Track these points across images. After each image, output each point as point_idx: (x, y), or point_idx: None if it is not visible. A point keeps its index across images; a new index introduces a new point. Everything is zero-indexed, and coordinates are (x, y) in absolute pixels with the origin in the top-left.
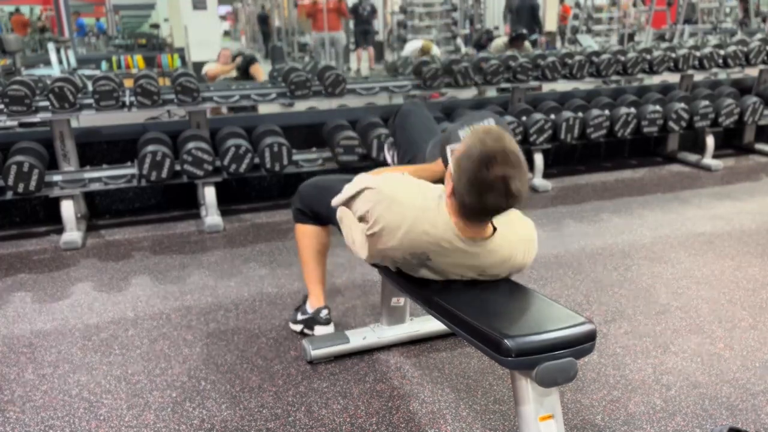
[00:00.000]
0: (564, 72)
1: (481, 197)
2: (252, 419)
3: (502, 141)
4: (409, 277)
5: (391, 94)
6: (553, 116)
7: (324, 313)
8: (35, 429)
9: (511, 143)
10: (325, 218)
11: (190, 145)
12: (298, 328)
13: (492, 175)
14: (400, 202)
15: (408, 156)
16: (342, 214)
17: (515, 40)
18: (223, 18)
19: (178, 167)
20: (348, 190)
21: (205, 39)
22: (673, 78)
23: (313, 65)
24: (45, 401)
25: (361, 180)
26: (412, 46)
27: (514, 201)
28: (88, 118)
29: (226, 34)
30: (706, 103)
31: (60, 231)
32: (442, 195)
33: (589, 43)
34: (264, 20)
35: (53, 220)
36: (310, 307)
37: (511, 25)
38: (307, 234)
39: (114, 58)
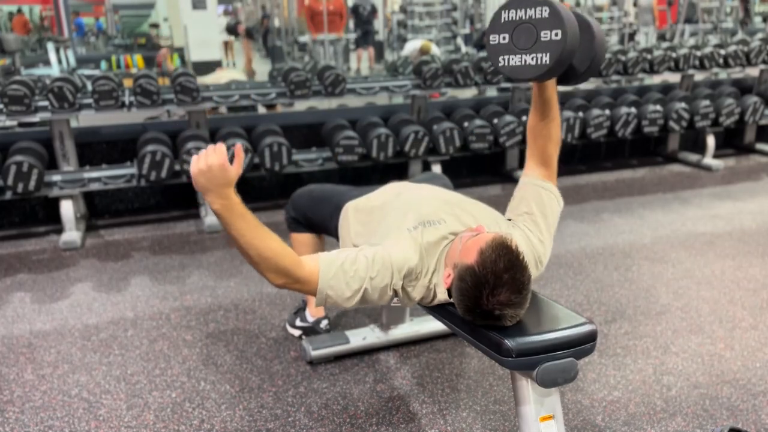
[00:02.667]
0: None
1: (475, 318)
2: (252, 420)
3: (508, 259)
4: None
5: (391, 94)
6: None
7: (324, 323)
8: (34, 429)
9: (517, 260)
10: (319, 227)
11: (190, 144)
12: (296, 333)
13: (489, 305)
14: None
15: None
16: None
17: None
18: (229, 14)
19: (177, 167)
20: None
21: (204, 38)
22: (674, 78)
23: (313, 65)
24: (44, 401)
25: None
26: (412, 46)
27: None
28: (87, 118)
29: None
30: (707, 102)
31: (59, 231)
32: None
33: None
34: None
35: (52, 220)
36: (310, 316)
37: None
38: (303, 242)
39: (113, 58)
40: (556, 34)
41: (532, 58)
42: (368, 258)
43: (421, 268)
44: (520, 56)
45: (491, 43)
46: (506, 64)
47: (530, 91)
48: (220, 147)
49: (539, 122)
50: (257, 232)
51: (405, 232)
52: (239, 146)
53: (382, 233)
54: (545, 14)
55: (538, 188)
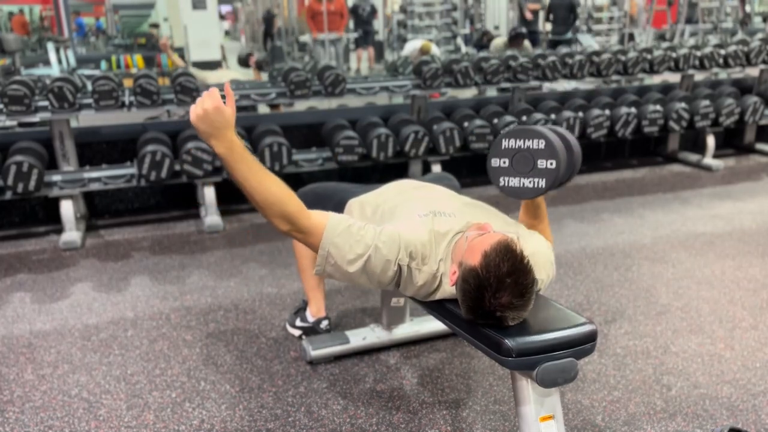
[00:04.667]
0: (564, 72)
1: (476, 318)
2: (252, 420)
3: (512, 263)
4: None
5: (391, 94)
6: (553, 116)
7: (324, 323)
8: (34, 429)
9: (521, 264)
10: None
11: (190, 144)
12: (296, 333)
13: (491, 307)
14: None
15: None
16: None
17: (515, 40)
18: (223, 18)
19: (177, 167)
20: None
21: (204, 39)
22: (674, 78)
23: (313, 65)
24: (44, 401)
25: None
26: (412, 46)
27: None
28: (87, 118)
29: (227, 33)
30: (707, 102)
31: (59, 231)
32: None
33: (589, 42)
34: (269, 21)
35: (52, 220)
36: (310, 316)
37: (552, 25)
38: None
39: (113, 58)
40: (551, 164)
41: (530, 182)
42: (377, 230)
43: (430, 250)
44: (518, 179)
45: (492, 165)
46: (506, 184)
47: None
48: (213, 90)
49: (531, 223)
50: (261, 176)
51: (416, 217)
52: (227, 84)
53: (389, 220)
54: (541, 146)
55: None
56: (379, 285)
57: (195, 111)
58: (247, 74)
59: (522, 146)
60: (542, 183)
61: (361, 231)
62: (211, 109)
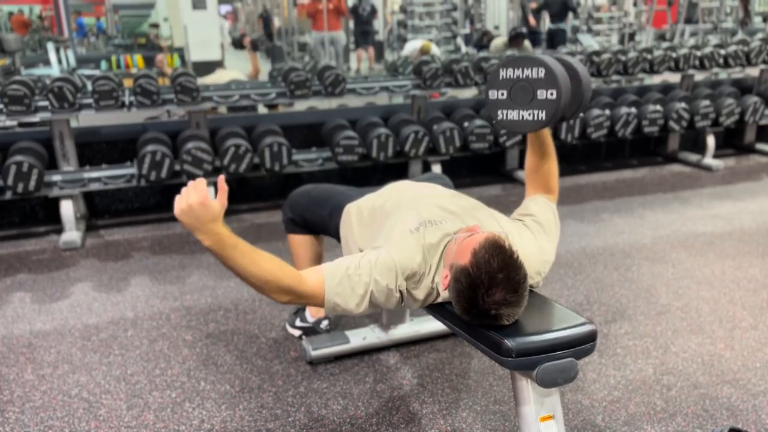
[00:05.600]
0: None
1: (472, 318)
2: (252, 420)
3: (502, 258)
4: None
5: (391, 94)
6: None
7: (324, 324)
8: (34, 429)
9: (511, 259)
10: (318, 228)
11: (190, 144)
12: (296, 333)
13: (485, 305)
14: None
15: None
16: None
17: (515, 40)
18: (223, 17)
19: (177, 167)
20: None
21: (204, 39)
22: (674, 78)
23: (313, 65)
24: (44, 401)
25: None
26: (412, 46)
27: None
28: (87, 118)
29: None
30: (707, 102)
31: (59, 231)
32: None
33: (589, 42)
34: (266, 21)
35: (52, 220)
36: (310, 316)
37: (549, 18)
38: (301, 244)
39: (113, 58)
40: (552, 94)
41: (529, 114)
42: (371, 262)
43: (424, 269)
44: (517, 111)
45: (490, 98)
46: (504, 118)
47: (528, 137)
48: (200, 183)
49: (539, 161)
50: (253, 258)
51: (407, 234)
52: (221, 178)
53: (385, 235)
54: (541, 75)
55: (538, 202)
56: (387, 309)
57: (179, 205)
58: (244, 71)
59: (521, 76)
60: (542, 115)
61: (358, 270)
62: (196, 205)
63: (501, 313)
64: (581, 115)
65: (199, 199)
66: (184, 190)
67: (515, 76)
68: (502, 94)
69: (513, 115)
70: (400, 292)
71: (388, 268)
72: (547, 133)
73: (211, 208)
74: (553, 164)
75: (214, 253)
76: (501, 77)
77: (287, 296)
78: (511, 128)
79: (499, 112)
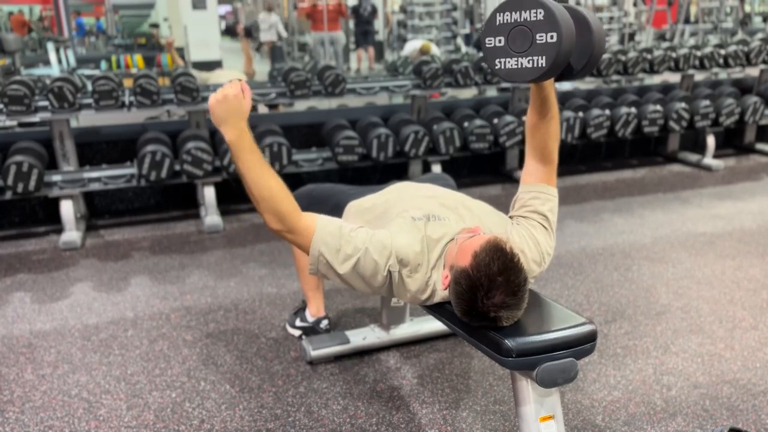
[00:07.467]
0: None
1: (472, 320)
2: (252, 420)
3: (502, 261)
4: None
5: (391, 94)
6: None
7: (324, 323)
8: (34, 429)
9: (512, 262)
10: None
11: (190, 144)
12: (296, 333)
13: (485, 307)
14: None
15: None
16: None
17: None
18: (223, 17)
19: (177, 167)
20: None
21: (204, 38)
22: (674, 78)
23: (313, 65)
24: (44, 401)
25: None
26: (412, 46)
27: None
28: (87, 118)
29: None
30: (707, 102)
31: (59, 231)
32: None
33: None
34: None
35: (52, 220)
36: (310, 316)
37: None
38: None
39: (113, 58)
40: (552, 37)
41: (528, 61)
42: (369, 233)
43: (421, 259)
44: (516, 59)
45: (487, 45)
46: (502, 66)
47: (530, 91)
48: (236, 81)
49: (538, 120)
50: (263, 171)
51: (410, 220)
52: (244, 82)
53: (385, 224)
54: (540, 17)
55: (535, 192)
56: (372, 290)
57: (215, 96)
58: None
59: (518, 19)
60: (542, 61)
61: (352, 233)
62: (232, 96)
63: (500, 316)
64: (593, 71)
65: (235, 91)
66: (219, 88)
67: (512, 20)
68: (500, 41)
69: (511, 63)
70: (390, 273)
71: (384, 245)
72: (550, 89)
73: (244, 101)
74: (553, 126)
75: (233, 150)
76: (497, 22)
77: (279, 224)
78: (509, 78)
79: (497, 60)
